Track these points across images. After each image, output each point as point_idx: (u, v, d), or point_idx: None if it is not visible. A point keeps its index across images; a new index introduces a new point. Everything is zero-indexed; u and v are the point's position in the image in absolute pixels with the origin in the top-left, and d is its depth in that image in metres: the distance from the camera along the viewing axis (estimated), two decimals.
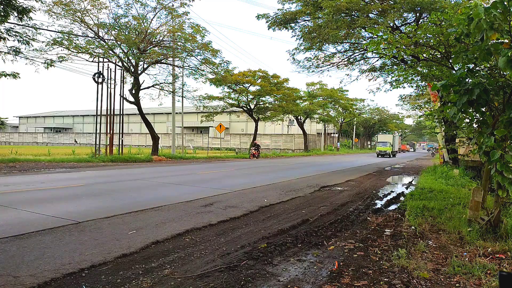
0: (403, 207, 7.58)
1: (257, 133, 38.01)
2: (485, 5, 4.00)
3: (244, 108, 34.99)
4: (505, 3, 3.69)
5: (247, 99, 34.14)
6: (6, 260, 3.80)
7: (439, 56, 11.90)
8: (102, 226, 5.35)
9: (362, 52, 19.43)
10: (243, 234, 5.22)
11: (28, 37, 15.63)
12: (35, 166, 15.61)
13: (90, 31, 20.83)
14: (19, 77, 16.10)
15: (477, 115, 4.96)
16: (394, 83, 17.74)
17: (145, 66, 23.37)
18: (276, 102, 35.47)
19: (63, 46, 19.59)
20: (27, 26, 15.55)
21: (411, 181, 13.81)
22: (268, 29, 18.61)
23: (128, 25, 21.64)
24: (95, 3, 20.14)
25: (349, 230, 5.59)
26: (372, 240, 5.01)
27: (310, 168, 19.77)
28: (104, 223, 5.57)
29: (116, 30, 21.23)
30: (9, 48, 15.42)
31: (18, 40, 15.04)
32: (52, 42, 19.22)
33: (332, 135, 68.79)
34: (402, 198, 9.08)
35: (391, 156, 40.59)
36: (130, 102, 23.45)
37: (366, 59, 20.33)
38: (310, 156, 38.84)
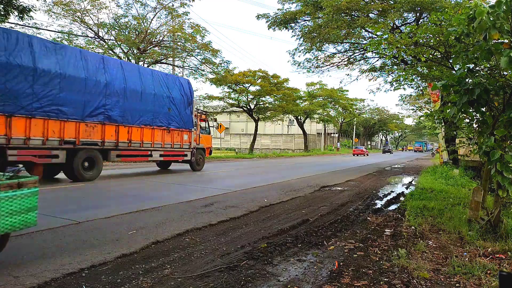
0: (403, 207, 7.58)
1: (257, 133, 38.03)
2: (485, 5, 4.00)
3: (244, 108, 35.01)
4: (509, 2, 3.69)
5: (247, 99, 34.15)
6: (6, 260, 3.80)
7: (439, 56, 11.91)
8: (102, 226, 5.35)
9: (362, 52, 19.46)
10: (243, 234, 5.22)
11: None
12: None
13: (90, 31, 20.86)
14: None
15: (477, 115, 4.96)
16: (394, 84, 17.78)
17: (145, 66, 23.40)
18: (276, 102, 35.50)
19: None
20: (27, 26, 15.58)
21: (411, 181, 13.81)
22: (268, 29, 18.67)
23: (128, 25, 21.66)
24: (95, 3, 20.16)
25: (349, 230, 5.59)
26: (372, 240, 5.01)
27: (310, 168, 19.77)
28: (104, 223, 5.57)
29: (116, 30, 21.26)
30: None
31: None
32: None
33: (332, 135, 68.83)
34: (402, 198, 9.08)
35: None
36: None
37: (366, 59, 20.37)
38: (310, 156, 38.86)
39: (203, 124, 16.40)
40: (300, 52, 19.42)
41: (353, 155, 44.20)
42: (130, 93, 11.85)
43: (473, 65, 5.00)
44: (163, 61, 23.89)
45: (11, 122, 8.80)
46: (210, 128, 17.44)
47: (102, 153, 11.25)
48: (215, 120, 20.96)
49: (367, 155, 45.82)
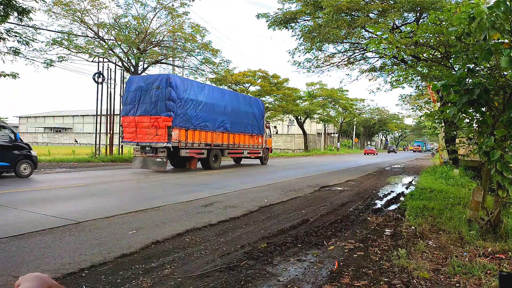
0: (403, 207, 7.58)
1: None
2: (485, 5, 4.00)
3: None
4: (507, 2, 3.68)
5: None
6: (6, 260, 3.80)
7: (439, 56, 11.91)
8: (102, 226, 5.35)
9: (362, 52, 19.44)
10: (243, 234, 5.22)
11: (28, 37, 15.63)
12: None
13: (90, 31, 20.85)
14: (19, 77, 16.10)
15: (477, 115, 4.96)
16: (394, 83, 17.77)
17: (145, 66, 23.39)
18: (276, 102, 35.53)
19: (63, 46, 19.61)
20: (27, 27, 15.56)
21: (411, 181, 13.81)
22: (268, 28, 18.65)
23: (128, 25, 21.64)
24: (95, 3, 20.15)
25: (349, 230, 5.59)
26: (372, 240, 5.01)
27: (310, 168, 19.77)
28: (104, 223, 5.57)
29: (116, 30, 21.24)
30: (8, 49, 15.41)
31: (18, 41, 15.04)
32: (52, 42, 19.24)
33: (332, 135, 68.83)
34: (402, 198, 9.07)
35: None
36: None
37: (366, 59, 20.34)
38: (310, 156, 38.85)
39: (267, 130, 22.16)
40: (300, 52, 19.41)
41: (364, 154, 49.82)
42: (234, 111, 17.65)
43: (473, 65, 4.99)
44: (163, 61, 23.87)
45: (187, 133, 14.67)
46: (271, 133, 24.24)
47: (221, 151, 17.05)
48: (275, 127, 28.95)
49: (377, 154, 51.38)
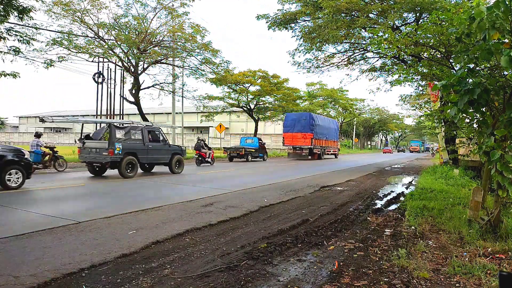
0: (403, 207, 7.58)
1: (257, 133, 38.07)
2: (484, 7, 3.99)
3: (244, 108, 35.02)
4: (507, 2, 3.68)
5: (247, 99, 34.16)
6: (6, 260, 3.80)
7: (439, 56, 11.91)
8: (102, 226, 5.35)
9: (362, 52, 19.43)
10: (243, 234, 5.22)
11: (28, 36, 15.59)
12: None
13: (90, 31, 20.82)
14: (19, 76, 16.07)
15: (477, 115, 4.95)
16: (394, 82, 17.74)
17: (145, 66, 23.33)
18: (276, 102, 35.52)
19: (63, 46, 19.57)
20: (27, 26, 15.53)
21: (411, 181, 13.80)
22: (268, 29, 18.63)
23: (128, 25, 21.61)
24: (95, 3, 20.12)
25: (349, 230, 5.59)
26: (372, 240, 5.01)
27: (310, 168, 19.76)
28: (104, 223, 5.57)
29: (116, 30, 21.21)
30: (9, 48, 15.39)
31: (18, 40, 15.01)
32: (52, 42, 19.20)
33: None
34: (402, 198, 9.07)
35: None
36: (130, 102, 23.42)
37: (366, 59, 20.32)
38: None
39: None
40: (300, 52, 19.37)
41: (383, 153, 61.37)
42: (329, 128, 32.42)
43: (473, 65, 4.99)
44: (163, 61, 23.84)
45: (316, 141, 29.22)
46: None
47: (324, 150, 31.30)
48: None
49: (392, 153, 64.40)
